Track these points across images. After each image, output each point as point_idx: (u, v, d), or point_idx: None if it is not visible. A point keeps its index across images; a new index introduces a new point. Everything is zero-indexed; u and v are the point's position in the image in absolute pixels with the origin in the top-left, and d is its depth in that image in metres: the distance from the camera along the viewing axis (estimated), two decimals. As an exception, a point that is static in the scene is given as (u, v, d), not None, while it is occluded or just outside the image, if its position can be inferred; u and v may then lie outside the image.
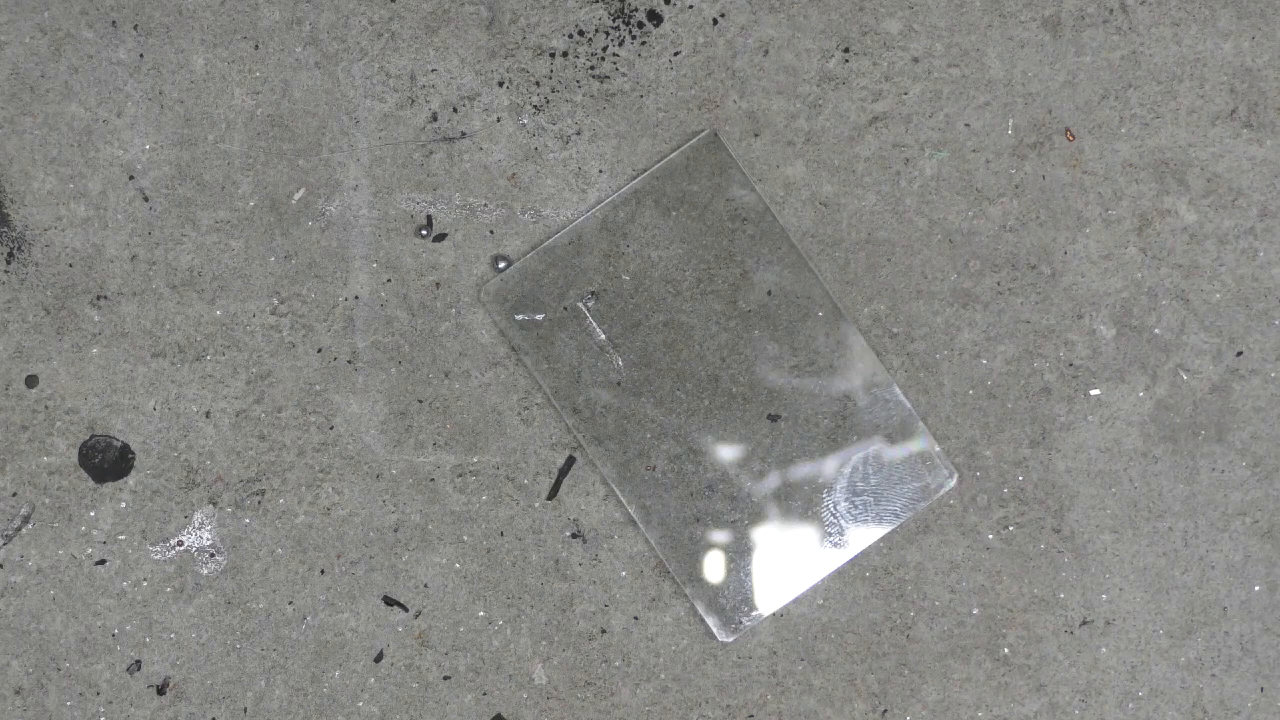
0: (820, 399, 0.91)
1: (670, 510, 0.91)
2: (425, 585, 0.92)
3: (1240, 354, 0.93)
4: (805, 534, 0.91)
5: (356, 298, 0.92)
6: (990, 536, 0.92)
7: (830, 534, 0.91)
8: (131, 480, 0.92)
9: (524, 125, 0.93)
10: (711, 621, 0.91)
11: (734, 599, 0.91)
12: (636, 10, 0.94)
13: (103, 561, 0.92)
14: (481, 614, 0.92)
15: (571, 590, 0.92)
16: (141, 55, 0.93)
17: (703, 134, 0.92)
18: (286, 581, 0.92)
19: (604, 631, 0.91)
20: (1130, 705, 0.91)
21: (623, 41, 0.93)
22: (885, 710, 0.91)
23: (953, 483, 0.91)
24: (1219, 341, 0.92)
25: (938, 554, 0.92)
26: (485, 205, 0.93)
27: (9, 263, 0.92)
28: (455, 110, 0.93)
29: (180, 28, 0.93)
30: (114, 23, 0.93)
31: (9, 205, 0.93)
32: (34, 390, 0.92)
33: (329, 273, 0.93)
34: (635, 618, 0.92)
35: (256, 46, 0.93)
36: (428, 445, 0.92)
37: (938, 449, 0.91)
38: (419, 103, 0.93)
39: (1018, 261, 0.93)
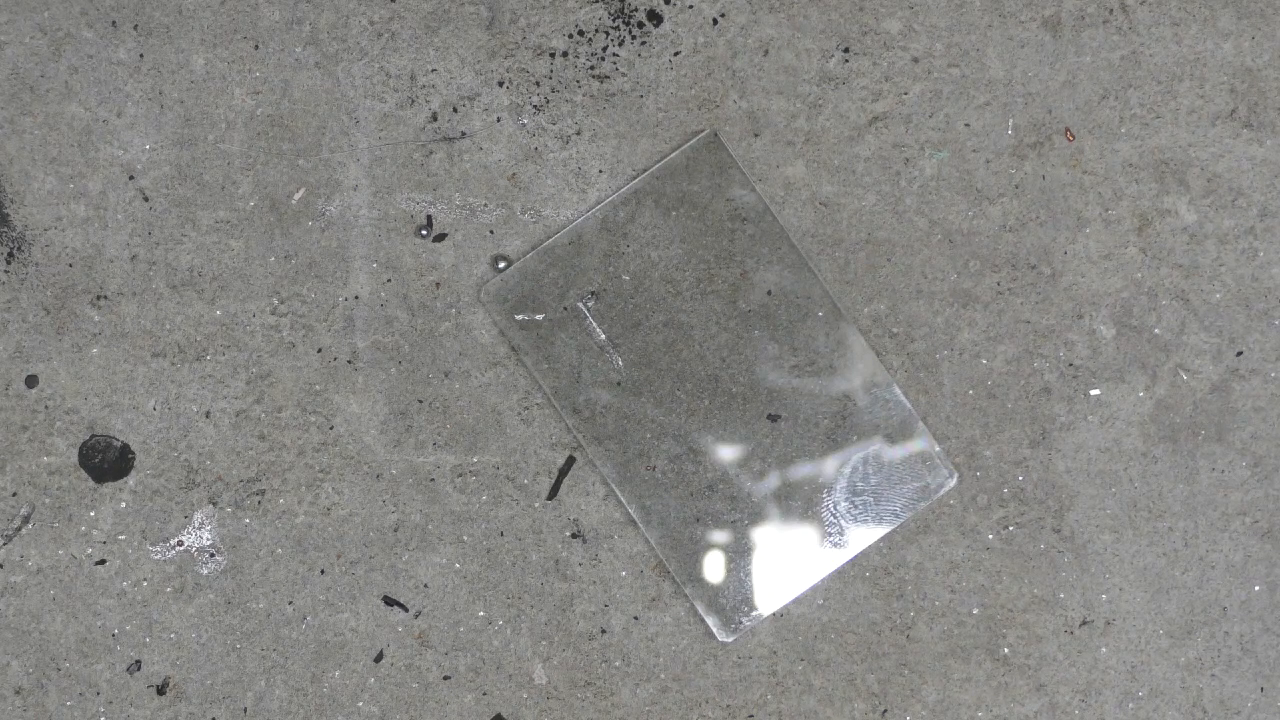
0: (820, 399, 0.91)
1: (670, 510, 0.91)
2: (425, 585, 0.92)
3: (1240, 354, 0.93)
4: (805, 534, 0.91)
5: (356, 298, 0.92)
6: (990, 536, 0.92)
7: (830, 534, 0.91)
8: (131, 480, 0.92)
9: (524, 125, 0.93)
10: (711, 621, 0.91)
11: (734, 599, 0.91)
12: (636, 10, 0.94)
13: (103, 561, 0.92)
14: (481, 614, 0.92)
15: (571, 590, 0.92)
16: (141, 55, 0.93)
17: (703, 134, 0.92)
18: (286, 581, 0.92)
19: (604, 631, 0.92)
20: (1130, 705, 0.91)
21: (623, 41, 0.93)
22: (885, 710, 0.91)
23: (953, 483, 0.91)
24: (1219, 341, 0.92)
25: (938, 554, 0.92)
26: (485, 205, 0.93)
27: (9, 263, 0.92)
28: (455, 110, 0.93)
29: (180, 28, 0.93)
30: (114, 23, 0.93)
31: (9, 205, 0.93)
32: (34, 390, 0.92)
33: (329, 273, 0.93)
34: (635, 618, 0.92)
35: (256, 46, 0.93)
36: (428, 445, 0.92)
37: (938, 449, 0.91)
38: (419, 103, 0.93)
39: (1018, 261, 0.93)
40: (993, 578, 0.92)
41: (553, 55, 0.93)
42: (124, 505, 0.92)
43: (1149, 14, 0.93)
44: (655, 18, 0.94)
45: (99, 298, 0.92)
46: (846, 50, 0.93)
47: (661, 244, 0.92)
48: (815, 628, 0.92)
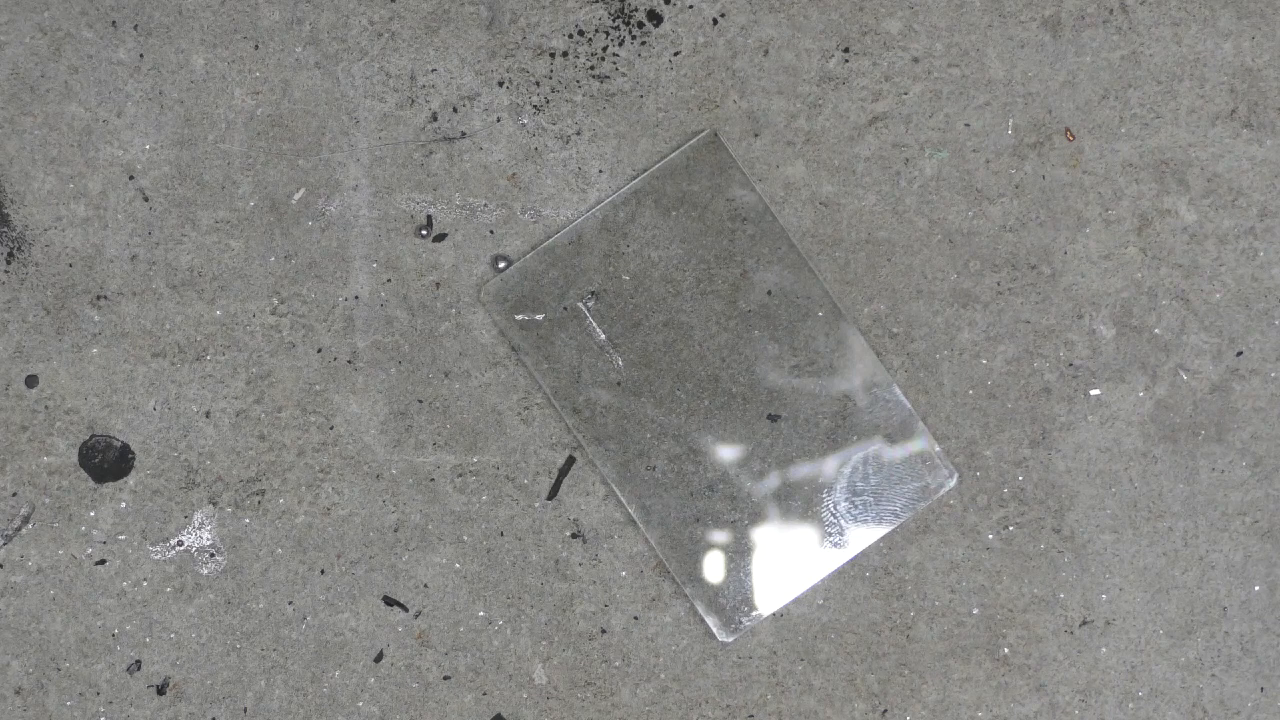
0: (820, 399, 0.91)
1: (670, 510, 0.91)
2: (425, 585, 0.92)
3: (1240, 354, 0.93)
4: (805, 534, 0.91)
5: (356, 298, 0.93)
6: (990, 536, 0.92)
7: (830, 534, 0.91)
8: (131, 480, 0.92)
9: (524, 125, 0.93)
10: (711, 621, 0.91)
11: (734, 599, 0.91)
12: (636, 10, 0.94)
13: (103, 561, 0.92)
14: (481, 614, 0.92)
15: (571, 590, 0.92)
16: (141, 55, 0.93)
17: (703, 134, 0.92)
18: (286, 581, 0.92)
19: (604, 631, 0.92)
20: (1130, 705, 0.91)
21: (623, 41, 0.93)
22: (885, 710, 0.91)
23: (953, 483, 0.91)
24: (1219, 341, 0.92)
25: (938, 554, 0.92)
26: (485, 205, 0.93)
27: (9, 263, 0.92)
28: (455, 110, 0.93)
29: (180, 28, 0.93)
30: (114, 23, 0.93)
31: (9, 205, 0.93)
32: (34, 390, 0.92)
33: (329, 273, 0.93)
34: (635, 618, 0.92)
35: (256, 46, 0.93)
36: (428, 445, 0.92)
37: (938, 449, 0.91)
38: (419, 103, 0.93)
39: (1018, 261, 0.93)
40: (993, 578, 0.92)
41: (553, 55, 0.93)
42: (124, 505, 0.92)
43: (1149, 14, 0.93)
44: (655, 18, 0.94)
45: (99, 298, 0.92)
46: (846, 50, 0.93)
47: (661, 244, 0.92)
48: (815, 628, 0.92)
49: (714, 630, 0.91)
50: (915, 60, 0.93)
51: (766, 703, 0.91)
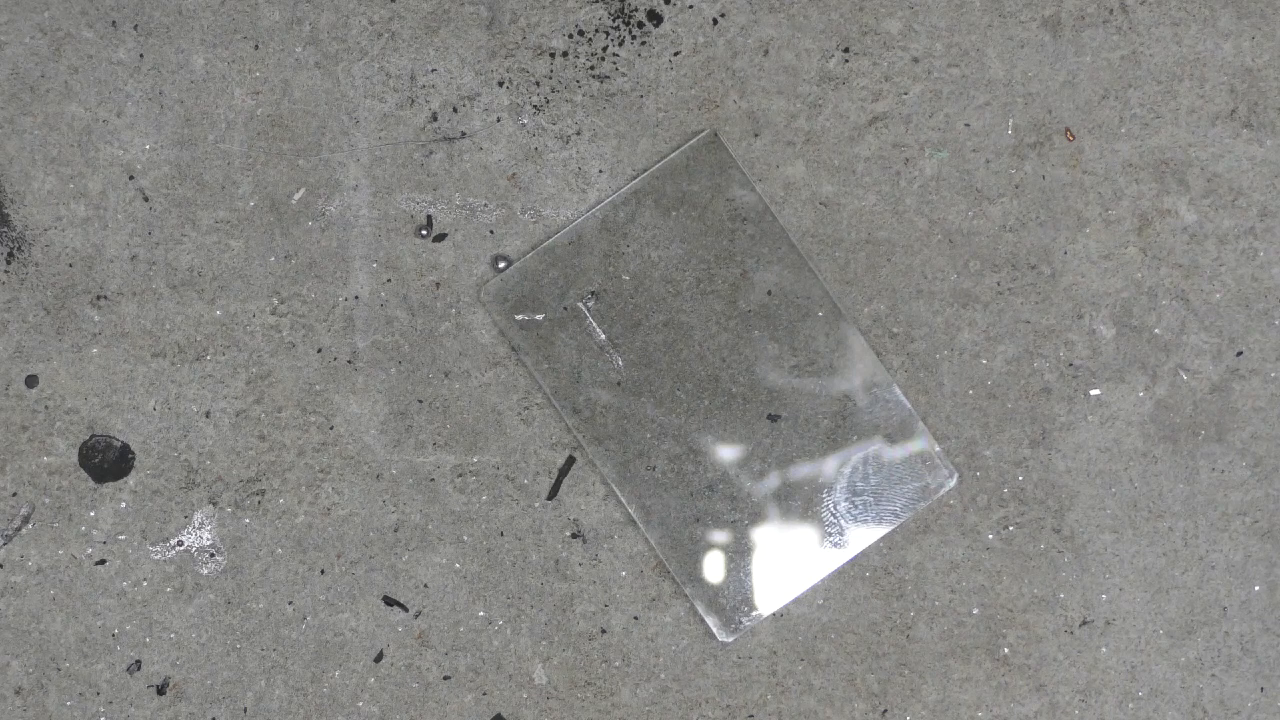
0: (820, 399, 0.91)
1: (670, 510, 0.91)
2: (425, 585, 0.92)
3: (1240, 354, 0.93)
4: (805, 534, 0.91)
5: (356, 298, 0.93)
6: (990, 536, 0.92)
7: (830, 534, 0.91)
8: (131, 480, 0.92)
9: (524, 125, 0.93)
10: (711, 621, 0.91)
11: (734, 599, 0.91)
12: (636, 10, 0.94)
13: (103, 561, 0.92)
14: (481, 614, 0.92)
15: (571, 590, 0.92)
16: (141, 55, 0.93)
17: (703, 134, 0.92)
18: (286, 581, 0.92)
19: (604, 631, 0.92)
20: (1130, 705, 0.91)
21: (623, 41, 0.93)
22: (885, 710, 0.91)
23: (953, 483, 0.91)
24: (1219, 341, 0.92)
25: (938, 554, 0.92)
26: (485, 205, 0.93)
27: (9, 263, 0.92)
28: (455, 110, 0.93)
29: (180, 28, 0.93)
30: (114, 23, 0.93)
31: (9, 205, 0.93)
32: (34, 390, 0.92)
33: (329, 273, 0.93)
34: (635, 618, 0.92)
35: (256, 46, 0.93)
36: (428, 445, 0.92)
37: (938, 449, 0.91)
38: (419, 103, 0.93)
39: (1018, 261, 0.93)
40: (993, 578, 0.92)
41: (553, 55, 0.93)
42: (124, 505, 0.92)
43: (1149, 14, 0.93)
44: (655, 18, 0.94)
45: (99, 298, 0.92)
46: (846, 50, 0.93)
47: (661, 244, 0.92)
48: (815, 628, 0.92)
49: (714, 630, 0.91)
50: (915, 60, 0.93)
51: (766, 703, 0.91)
